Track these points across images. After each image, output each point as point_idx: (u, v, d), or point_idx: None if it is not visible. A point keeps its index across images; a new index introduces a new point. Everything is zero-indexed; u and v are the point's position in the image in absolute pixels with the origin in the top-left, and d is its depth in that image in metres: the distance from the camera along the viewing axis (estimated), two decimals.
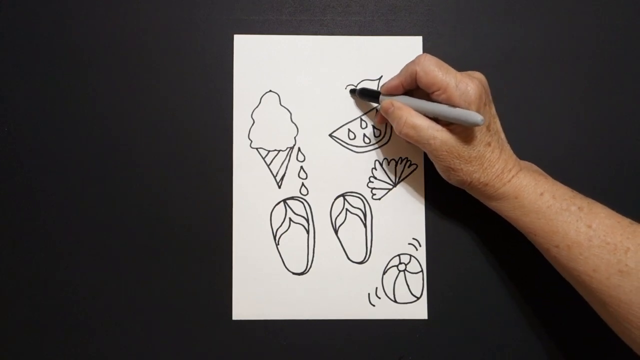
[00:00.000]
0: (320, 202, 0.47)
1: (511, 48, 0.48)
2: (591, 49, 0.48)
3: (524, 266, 0.47)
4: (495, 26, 0.48)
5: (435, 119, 0.41)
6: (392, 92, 0.43)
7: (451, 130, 0.40)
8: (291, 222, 0.47)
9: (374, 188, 0.48)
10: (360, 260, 0.47)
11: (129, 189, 0.47)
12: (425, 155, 0.47)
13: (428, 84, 0.40)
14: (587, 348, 0.46)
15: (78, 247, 0.47)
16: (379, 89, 0.46)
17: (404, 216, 0.47)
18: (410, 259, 0.47)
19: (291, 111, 0.48)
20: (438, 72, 0.39)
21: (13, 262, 0.47)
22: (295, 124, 0.48)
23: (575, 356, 0.46)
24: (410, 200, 0.47)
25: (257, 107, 0.48)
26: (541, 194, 0.39)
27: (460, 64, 0.48)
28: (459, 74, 0.39)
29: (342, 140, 0.48)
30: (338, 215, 0.47)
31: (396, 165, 0.48)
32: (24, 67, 0.48)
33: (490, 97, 0.41)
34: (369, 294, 0.47)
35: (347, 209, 0.47)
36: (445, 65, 0.40)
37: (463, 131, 0.40)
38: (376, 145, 0.48)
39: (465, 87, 0.38)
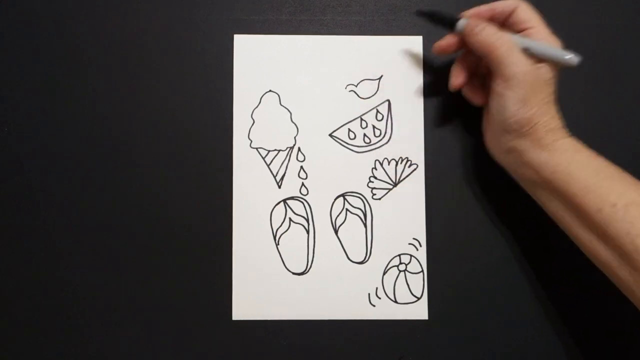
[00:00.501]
0: (320, 202, 0.47)
1: None
2: (591, 49, 0.48)
3: (524, 266, 0.47)
4: None
5: None
6: (477, 18, 0.42)
7: (538, 67, 0.40)
8: (291, 222, 0.47)
9: (374, 188, 0.48)
10: (360, 260, 0.47)
11: (129, 189, 0.47)
12: (425, 155, 0.47)
13: (527, 18, 0.41)
14: (587, 348, 0.46)
15: (78, 247, 0.47)
16: (458, 15, 0.43)
17: (404, 216, 0.47)
18: (410, 259, 0.47)
19: (291, 111, 0.48)
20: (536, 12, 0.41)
21: (13, 262, 0.47)
22: (295, 124, 0.48)
23: (575, 356, 0.46)
24: (411, 200, 0.47)
25: (257, 107, 0.48)
26: (597, 155, 0.40)
27: None
28: None
29: (342, 140, 0.48)
30: (338, 215, 0.47)
31: (396, 165, 0.48)
32: (24, 67, 0.48)
33: None
34: (369, 294, 0.47)
35: (347, 209, 0.47)
36: None
37: (548, 72, 0.40)
38: (376, 145, 0.48)
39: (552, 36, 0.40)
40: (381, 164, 0.48)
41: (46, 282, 0.47)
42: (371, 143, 0.48)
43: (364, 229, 0.47)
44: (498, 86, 0.40)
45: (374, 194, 0.48)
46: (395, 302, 0.47)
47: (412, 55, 0.48)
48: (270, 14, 0.48)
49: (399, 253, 0.47)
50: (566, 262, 0.46)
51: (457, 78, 0.44)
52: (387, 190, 0.48)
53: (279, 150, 0.48)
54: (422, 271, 0.47)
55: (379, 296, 0.47)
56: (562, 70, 0.41)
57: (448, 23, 0.43)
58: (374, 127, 0.48)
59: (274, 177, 0.48)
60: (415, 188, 0.48)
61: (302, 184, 0.48)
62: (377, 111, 0.48)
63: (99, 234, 0.47)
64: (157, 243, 0.47)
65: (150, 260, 0.47)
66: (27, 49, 0.48)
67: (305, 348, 0.46)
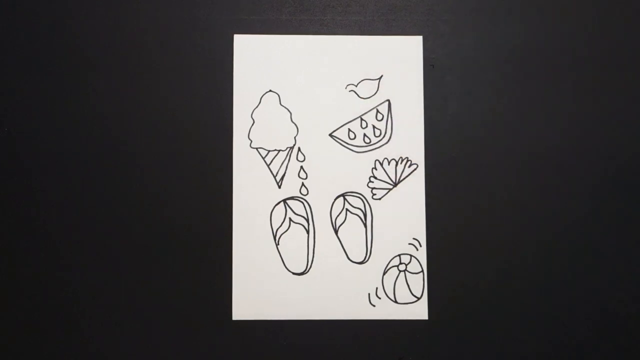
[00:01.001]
0: (320, 202, 0.47)
1: (511, 47, 0.48)
2: (591, 48, 0.48)
3: (524, 266, 0.47)
4: (495, 26, 0.48)
5: None
6: None
7: None
8: (291, 222, 0.47)
9: (374, 188, 0.48)
10: (360, 260, 0.47)
11: (128, 189, 0.47)
12: (425, 154, 0.47)
13: None
14: (588, 348, 0.46)
15: (78, 247, 0.47)
16: None
17: (404, 216, 0.47)
18: (410, 259, 0.47)
19: (291, 111, 0.48)
20: None
21: (13, 262, 0.47)
22: (295, 124, 0.48)
23: (575, 356, 0.46)
24: (411, 200, 0.47)
25: (257, 107, 0.48)
26: None
27: (460, 64, 0.48)
28: None
29: (342, 140, 0.48)
30: (338, 215, 0.47)
31: (396, 165, 0.48)
32: (24, 67, 0.48)
33: None
34: (369, 294, 0.47)
35: (347, 209, 0.47)
36: None
37: None
38: (376, 145, 0.48)
39: None
40: (381, 164, 0.48)
41: (46, 282, 0.47)
42: (371, 143, 0.48)
43: (364, 229, 0.47)
44: None
45: (374, 194, 0.48)
46: (395, 302, 0.47)
47: (412, 55, 0.48)
48: (270, 14, 0.48)
49: (399, 253, 0.47)
50: (566, 262, 0.46)
51: None
52: (387, 190, 0.48)
53: (279, 150, 0.48)
54: (422, 271, 0.47)
55: (379, 296, 0.47)
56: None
57: None
58: (374, 127, 0.48)
59: (274, 177, 0.48)
60: (415, 188, 0.48)
61: (302, 184, 0.48)
62: (377, 111, 0.48)
63: (99, 233, 0.47)
64: (157, 243, 0.47)
65: (150, 260, 0.47)
66: (27, 49, 0.48)
67: (305, 348, 0.46)
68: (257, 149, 0.48)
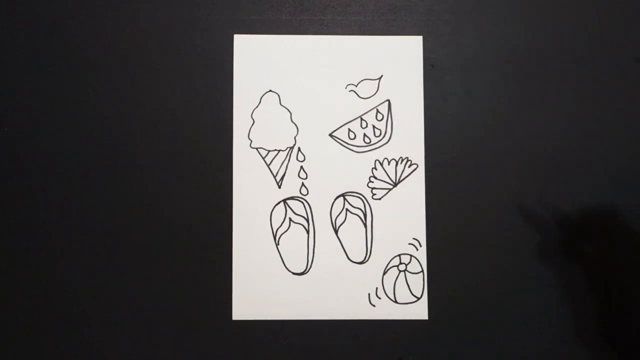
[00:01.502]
0: (320, 202, 0.47)
1: (511, 47, 0.48)
2: (591, 48, 0.48)
3: (524, 266, 0.47)
4: (495, 26, 0.48)
5: None
6: None
7: None
8: (291, 222, 0.47)
9: (374, 188, 0.48)
10: (360, 260, 0.47)
11: (128, 189, 0.47)
12: (425, 154, 0.47)
13: None
14: (588, 348, 0.46)
15: (78, 247, 0.47)
16: None
17: (404, 216, 0.47)
18: (410, 259, 0.47)
19: (291, 111, 0.48)
20: None
21: (13, 262, 0.47)
22: (295, 124, 0.48)
23: (575, 356, 0.46)
24: (411, 200, 0.47)
25: (257, 107, 0.48)
26: None
27: (460, 64, 0.48)
28: None
29: (342, 140, 0.48)
30: (338, 215, 0.47)
31: (396, 165, 0.48)
32: (24, 67, 0.48)
33: None
34: (369, 294, 0.47)
35: (347, 209, 0.47)
36: None
37: None
38: (376, 145, 0.48)
39: None
40: (381, 164, 0.48)
41: (46, 282, 0.47)
42: (371, 143, 0.48)
43: (364, 229, 0.47)
44: None
45: (374, 194, 0.48)
46: (395, 302, 0.47)
47: (412, 55, 0.48)
48: (270, 14, 0.48)
49: (399, 253, 0.47)
50: (566, 262, 0.46)
51: None
52: (387, 190, 0.48)
53: (279, 150, 0.48)
54: (422, 271, 0.47)
55: (379, 296, 0.47)
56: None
57: None
58: (374, 127, 0.48)
59: (274, 177, 0.48)
60: (415, 188, 0.48)
61: (302, 184, 0.48)
62: (377, 111, 0.48)
63: (99, 233, 0.47)
64: (157, 243, 0.47)
65: (150, 260, 0.47)
66: (27, 49, 0.48)
67: (305, 348, 0.46)
68: (257, 149, 0.48)
